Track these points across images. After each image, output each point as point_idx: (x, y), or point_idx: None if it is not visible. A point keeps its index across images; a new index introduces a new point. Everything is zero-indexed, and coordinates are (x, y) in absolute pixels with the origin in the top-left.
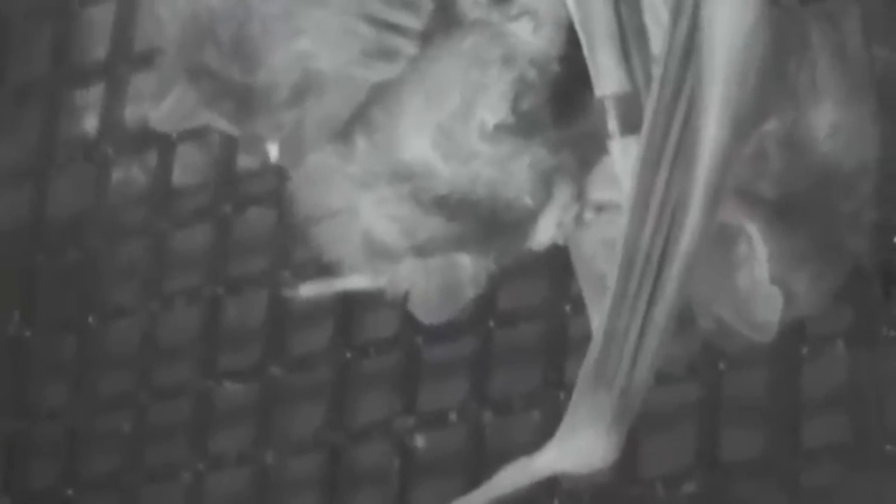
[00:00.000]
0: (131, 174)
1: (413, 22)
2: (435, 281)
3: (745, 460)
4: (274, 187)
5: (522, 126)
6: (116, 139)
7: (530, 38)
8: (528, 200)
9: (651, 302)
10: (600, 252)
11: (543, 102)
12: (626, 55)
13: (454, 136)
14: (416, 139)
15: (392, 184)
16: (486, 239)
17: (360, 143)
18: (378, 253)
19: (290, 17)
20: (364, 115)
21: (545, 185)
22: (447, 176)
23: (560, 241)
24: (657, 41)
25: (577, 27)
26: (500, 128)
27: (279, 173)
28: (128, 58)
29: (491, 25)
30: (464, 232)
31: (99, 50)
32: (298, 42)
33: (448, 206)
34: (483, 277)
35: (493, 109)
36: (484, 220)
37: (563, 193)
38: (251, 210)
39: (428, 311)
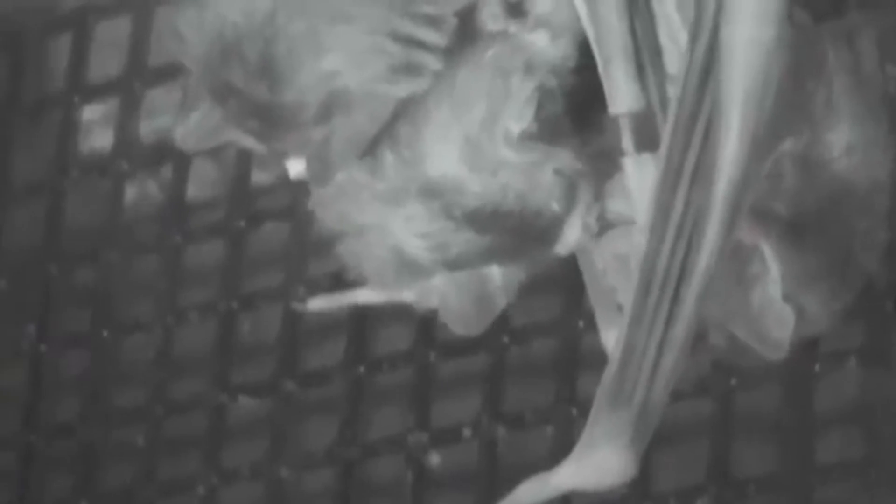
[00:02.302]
0: (146, 189)
1: (438, 38)
2: (466, 294)
3: (757, 476)
4: (289, 202)
5: (545, 134)
6: (131, 154)
7: (548, 48)
8: (555, 206)
9: (669, 319)
10: (611, 266)
11: (563, 113)
12: (640, 73)
13: (481, 147)
14: (443, 153)
15: (422, 200)
16: (517, 249)
17: (388, 159)
18: (408, 269)
19: (316, 35)
20: (391, 131)
21: (570, 190)
22: (477, 189)
23: (585, 245)
24: (672, 59)
25: (592, 43)
26: (524, 135)
27: (294, 188)
28: (143, 73)
29: (510, 37)
30: (495, 244)
31: (114, 65)
32: (325, 60)
33: (479, 219)
34: (514, 287)
35: (517, 117)
36: (514, 231)
37: (585, 195)
38: (266, 225)
39: (462, 324)
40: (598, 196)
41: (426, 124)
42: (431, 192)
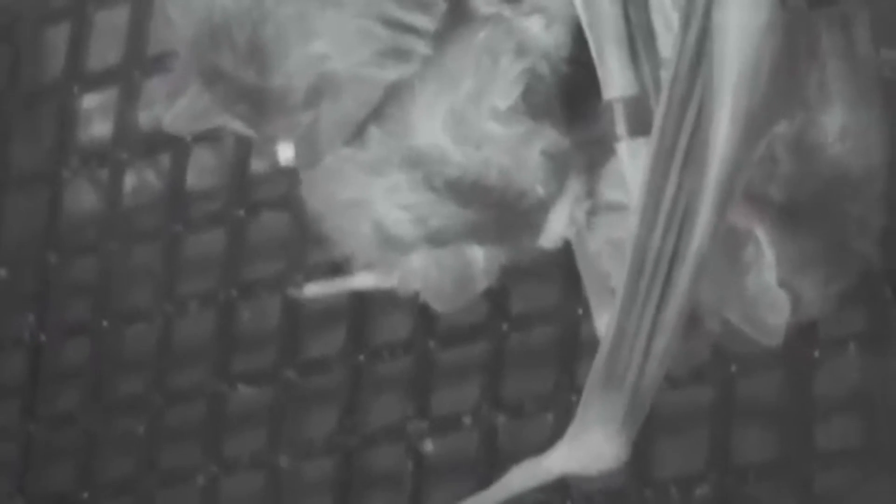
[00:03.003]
0: (145, 178)
1: (427, 22)
2: (447, 273)
3: (757, 463)
4: (287, 190)
5: (533, 114)
6: (130, 143)
7: (542, 34)
8: (540, 190)
9: (661, 303)
10: (605, 251)
11: (553, 97)
12: (634, 58)
13: (466, 119)
14: (427, 124)
15: (404, 170)
16: (499, 229)
17: (372, 130)
18: (390, 244)
19: (304, 19)
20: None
21: (557, 175)
22: (459, 160)
23: (571, 238)
24: (665, 43)
25: (586, 29)
26: (511, 111)
27: (292, 176)
28: (141, 61)
29: (504, 21)
30: (476, 220)
31: (113, 53)
32: (313, 44)
33: (461, 190)
34: (495, 270)
35: (504, 95)
36: (496, 208)
37: (574, 187)
38: (265, 213)
39: (441, 301)
40: (590, 191)
41: (412, 99)
42: (414, 161)
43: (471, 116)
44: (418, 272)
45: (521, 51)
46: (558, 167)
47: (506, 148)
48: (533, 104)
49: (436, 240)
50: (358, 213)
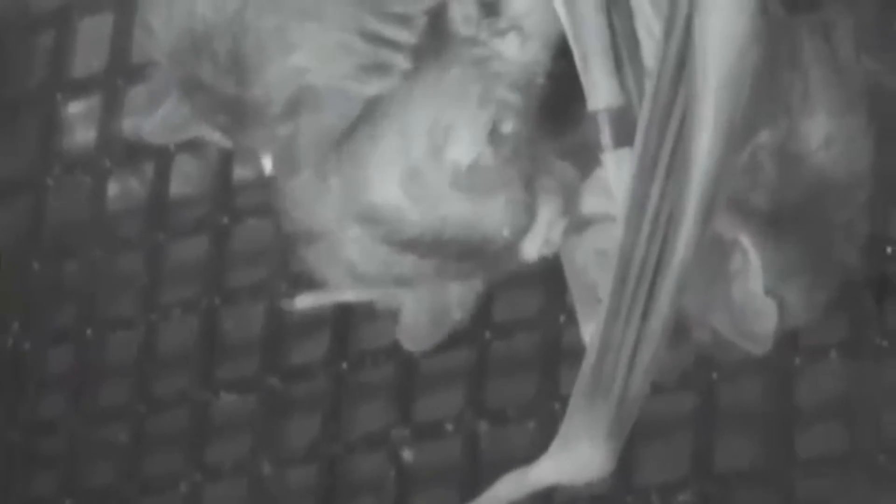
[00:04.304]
0: (128, 185)
1: (406, 37)
2: (423, 305)
3: (739, 470)
4: (271, 198)
5: (500, 161)
6: (113, 150)
7: (516, 55)
8: (505, 233)
9: (645, 312)
10: (592, 262)
11: (528, 123)
12: (619, 68)
13: (425, 178)
14: (385, 182)
15: (363, 225)
16: (467, 268)
17: (333, 183)
18: (360, 280)
19: (284, 31)
20: (337, 154)
21: (526, 213)
22: (416, 219)
23: (549, 255)
24: (650, 53)
25: (570, 41)
26: (473, 168)
27: (275, 185)
28: (125, 70)
29: (477, 45)
30: (440, 267)
31: (96, 62)
32: (293, 57)
33: (419, 246)
34: (470, 299)
35: (465, 150)
36: (460, 256)
37: (548, 212)
38: (248, 221)
39: (414, 340)
40: (567, 209)
41: (372, 151)
42: (371, 218)
43: (430, 176)
44: (397, 298)
45: (487, 93)
46: (526, 207)
47: (467, 202)
48: (503, 139)
49: (402, 282)
50: (331, 246)
